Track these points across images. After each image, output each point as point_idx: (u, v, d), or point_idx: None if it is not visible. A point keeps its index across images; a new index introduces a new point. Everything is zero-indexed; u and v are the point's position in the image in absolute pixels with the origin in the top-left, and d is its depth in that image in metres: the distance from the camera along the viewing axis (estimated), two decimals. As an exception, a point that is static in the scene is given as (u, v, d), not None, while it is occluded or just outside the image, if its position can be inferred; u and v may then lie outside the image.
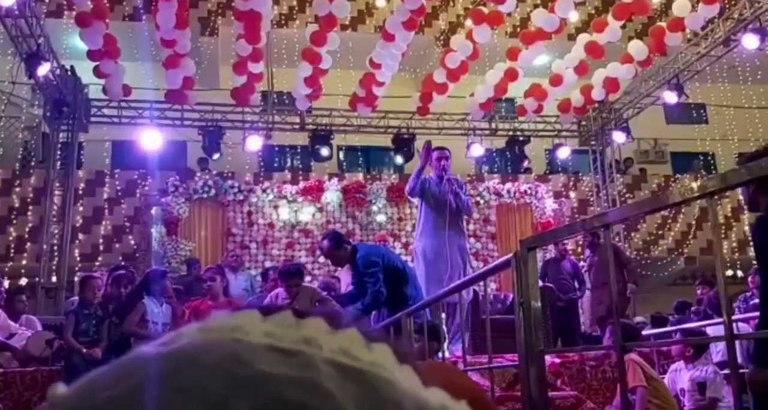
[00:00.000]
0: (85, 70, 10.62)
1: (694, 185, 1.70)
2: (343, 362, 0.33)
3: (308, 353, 0.33)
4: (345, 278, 7.25)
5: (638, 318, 9.22)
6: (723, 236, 12.41)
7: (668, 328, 6.03)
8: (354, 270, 5.98)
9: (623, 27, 10.27)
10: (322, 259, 11.04)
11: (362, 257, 5.70)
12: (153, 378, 0.32)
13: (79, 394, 0.33)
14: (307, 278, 9.09)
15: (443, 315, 5.39)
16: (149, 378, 0.32)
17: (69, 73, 10.86)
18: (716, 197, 1.66)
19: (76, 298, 6.87)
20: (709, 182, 1.67)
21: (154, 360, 0.33)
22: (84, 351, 5.60)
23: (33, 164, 12.42)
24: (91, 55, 9.72)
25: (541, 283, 7.71)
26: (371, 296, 5.62)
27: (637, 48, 10.48)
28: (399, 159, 12.01)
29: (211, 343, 0.33)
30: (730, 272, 11.70)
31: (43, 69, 9.39)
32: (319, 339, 0.34)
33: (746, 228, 13.01)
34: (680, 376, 4.46)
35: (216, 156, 11.50)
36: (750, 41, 9.41)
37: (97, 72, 10.01)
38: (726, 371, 4.52)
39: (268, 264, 10.54)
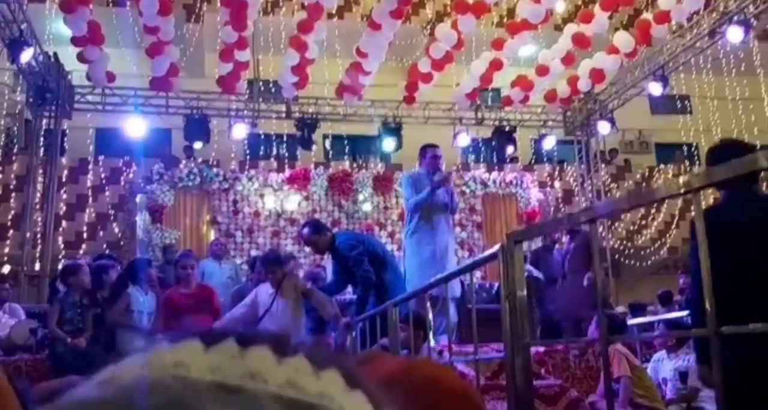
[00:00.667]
0: (68, 57, 10.50)
1: (680, 180, 1.72)
2: (290, 396, 0.32)
3: (253, 389, 0.32)
4: (330, 268, 7.27)
5: (620, 308, 9.30)
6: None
7: (651, 318, 6.09)
8: (335, 259, 5.99)
9: (610, 18, 10.30)
10: (308, 248, 11.04)
11: (342, 242, 5.73)
12: None
13: None
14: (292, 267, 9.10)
15: (428, 306, 5.42)
16: None
17: (52, 59, 10.73)
18: (701, 192, 1.69)
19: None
20: (693, 178, 1.70)
21: (96, 406, 0.32)
22: (69, 340, 5.58)
23: (15, 151, 12.28)
24: (74, 41, 9.62)
25: (535, 272, 7.75)
26: (361, 282, 5.63)
27: (623, 39, 10.52)
28: (386, 147, 11.99)
29: (153, 383, 0.32)
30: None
31: (26, 55, 9.27)
32: (264, 373, 0.33)
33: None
34: (662, 366, 4.53)
35: (199, 145, 11.41)
36: (734, 34, 9.46)
37: (81, 58, 9.91)
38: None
39: (254, 253, 10.52)
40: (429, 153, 6.55)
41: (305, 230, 6.01)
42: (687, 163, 14.64)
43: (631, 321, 6.71)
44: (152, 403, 0.31)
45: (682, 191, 1.70)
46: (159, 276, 6.80)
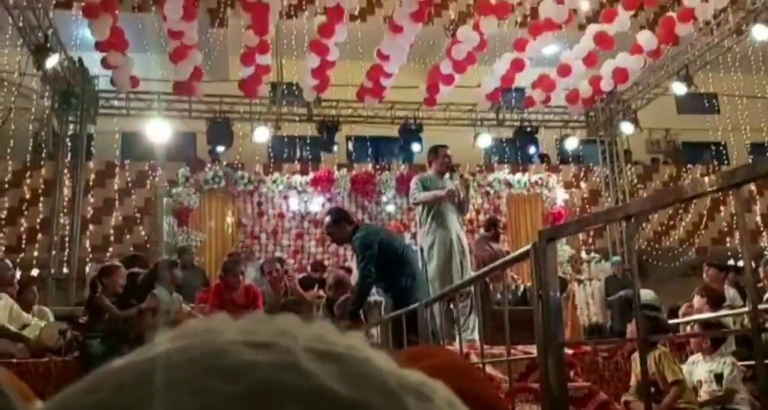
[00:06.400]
0: (93, 62, 10.61)
1: (715, 177, 1.68)
2: (320, 347, 0.34)
3: (284, 343, 0.34)
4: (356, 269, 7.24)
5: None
6: (734, 225, 12.35)
7: (685, 319, 5.99)
8: (354, 251, 5.87)
9: (633, 16, 10.19)
10: (332, 249, 11.06)
11: (359, 238, 5.54)
12: (136, 379, 0.32)
13: (63, 402, 0.33)
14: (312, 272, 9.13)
15: (451, 305, 5.38)
16: (133, 380, 0.32)
17: (77, 64, 10.86)
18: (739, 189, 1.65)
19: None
20: (735, 172, 1.65)
21: (134, 364, 0.33)
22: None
23: (43, 155, 12.45)
24: (98, 46, 9.71)
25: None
26: (359, 280, 5.53)
27: (647, 38, 10.40)
28: (410, 149, 11.97)
29: (187, 346, 0.33)
30: (741, 263, 11.64)
31: (52, 61, 9.39)
32: (293, 331, 0.35)
33: (758, 219, 12.94)
34: (698, 368, 4.45)
35: (221, 148, 11.47)
36: (760, 32, 9.32)
37: (105, 63, 10.00)
38: (746, 362, 4.50)
39: (278, 254, 10.56)
40: (441, 153, 6.50)
41: (326, 218, 5.92)
42: (715, 162, 14.45)
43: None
44: (188, 357, 0.32)
45: (723, 185, 1.66)
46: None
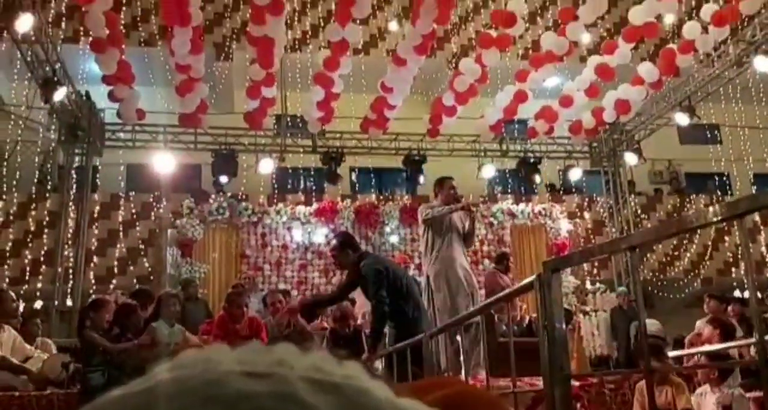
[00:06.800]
0: (100, 95, 10.73)
1: (719, 207, 1.69)
2: (318, 377, 0.34)
3: (282, 373, 0.33)
4: (361, 299, 7.20)
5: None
6: (739, 256, 12.30)
7: (692, 350, 5.93)
8: (360, 281, 5.67)
9: (634, 49, 10.29)
10: (335, 280, 11.04)
11: (368, 265, 5.47)
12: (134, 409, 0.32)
13: None
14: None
15: (458, 338, 5.33)
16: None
17: (84, 97, 10.98)
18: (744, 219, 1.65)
19: None
20: (738, 202, 1.66)
21: (132, 395, 0.33)
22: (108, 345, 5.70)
23: (48, 187, 12.51)
24: (106, 80, 9.83)
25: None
26: (374, 309, 5.46)
27: (648, 70, 10.49)
28: (415, 181, 12.04)
29: (185, 376, 0.33)
30: (746, 294, 11.57)
31: (59, 94, 9.49)
32: (291, 361, 0.35)
33: (763, 249, 12.89)
34: (705, 400, 4.41)
35: (224, 179, 11.53)
36: (762, 63, 9.40)
37: (112, 97, 10.10)
38: (753, 393, 4.45)
39: (282, 286, 10.54)
40: (447, 185, 6.54)
41: (333, 241, 6.03)
42: (719, 193, 14.45)
43: (672, 353, 6.55)
44: (185, 387, 0.32)
45: (726, 216, 1.67)
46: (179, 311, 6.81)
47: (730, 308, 7.72)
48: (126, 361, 5.81)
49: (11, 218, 11.49)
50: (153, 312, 6.20)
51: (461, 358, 4.54)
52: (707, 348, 5.40)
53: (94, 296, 7.20)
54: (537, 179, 12.39)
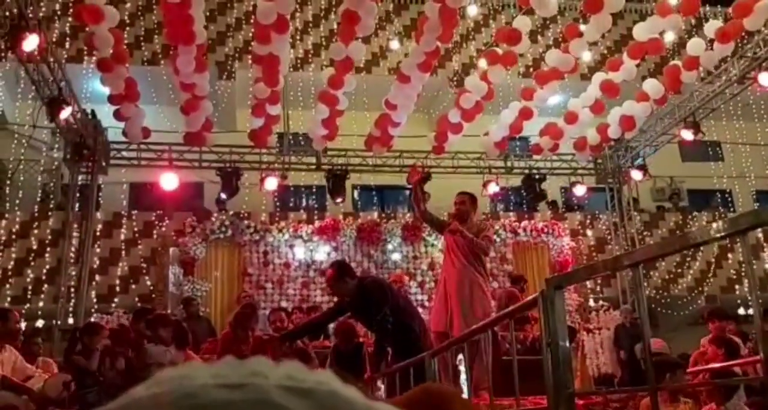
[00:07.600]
0: (105, 114, 10.77)
1: (722, 224, 1.68)
2: (290, 384, 0.35)
3: (257, 382, 0.35)
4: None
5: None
6: (743, 273, 12.25)
7: (697, 368, 5.88)
8: (361, 305, 5.57)
9: (638, 66, 10.31)
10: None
11: (371, 285, 5.54)
12: None
13: None
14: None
15: (460, 356, 5.31)
16: None
17: (89, 116, 11.02)
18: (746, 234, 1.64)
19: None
20: (740, 218, 1.65)
21: None
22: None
23: (51, 206, 12.53)
24: (111, 99, 9.86)
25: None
26: (377, 329, 5.49)
27: (653, 86, 10.51)
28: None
29: (162, 392, 0.34)
30: (751, 311, 11.49)
31: (65, 113, 9.52)
32: (265, 372, 0.36)
33: (766, 266, 12.83)
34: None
35: (224, 195, 11.51)
36: (766, 80, 9.41)
37: (118, 116, 10.12)
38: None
39: (284, 304, 10.51)
40: (455, 200, 6.72)
41: (329, 270, 5.79)
42: (721, 209, 14.42)
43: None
44: (160, 401, 0.33)
45: (729, 232, 1.66)
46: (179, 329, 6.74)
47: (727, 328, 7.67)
48: (118, 381, 5.78)
49: (14, 236, 11.50)
50: (172, 338, 6.11)
51: (462, 378, 4.51)
52: (712, 366, 5.36)
53: (89, 320, 7.18)
54: (541, 196, 12.39)
